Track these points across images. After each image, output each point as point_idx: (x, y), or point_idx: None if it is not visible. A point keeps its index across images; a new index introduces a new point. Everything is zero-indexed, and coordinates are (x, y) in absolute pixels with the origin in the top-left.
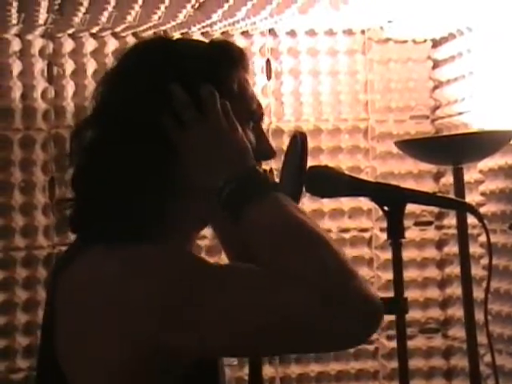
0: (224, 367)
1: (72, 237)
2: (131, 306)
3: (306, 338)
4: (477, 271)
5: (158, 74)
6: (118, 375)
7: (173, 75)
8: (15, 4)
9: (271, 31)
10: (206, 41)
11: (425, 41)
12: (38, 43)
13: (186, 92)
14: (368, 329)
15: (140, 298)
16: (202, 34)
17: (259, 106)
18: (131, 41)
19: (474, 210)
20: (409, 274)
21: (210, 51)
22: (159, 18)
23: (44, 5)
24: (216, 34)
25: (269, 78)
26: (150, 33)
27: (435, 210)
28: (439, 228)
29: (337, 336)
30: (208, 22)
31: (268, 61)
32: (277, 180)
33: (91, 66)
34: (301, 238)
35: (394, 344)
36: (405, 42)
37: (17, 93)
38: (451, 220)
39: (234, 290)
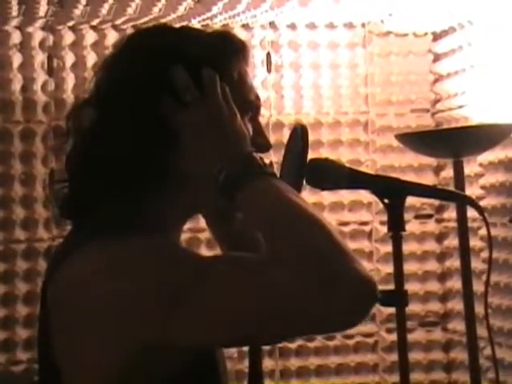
0: (225, 360)
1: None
2: (122, 304)
3: (302, 320)
4: (477, 264)
5: (158, 57)
6: (112, 375)
7: (174, 58)
8: None
9: (271, 24)
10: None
11: (425, 34)
12: (38, 35)
13: (187, 75)
14: (363, 309)
15: (131, 296)
16: (202, 26)
17: (257, 98)
18: None
19: (474, 203)
20: (409, 267)
21: (213, 39)
22: (159, 10)
23: None
24: (216, 26)
25: (269, 71)
26: (151, 25)
27: (435, 203)
28: (439, 221)
29: (332, 317)
30: (208, 14)
31: (268, 54)
32: (277, 173)
33: (91, 58)
34: (296, 220)
35: (393, 337)
36: (405, 35)
37: (17, 85)
38: (451, 213)
39: (224, 280)
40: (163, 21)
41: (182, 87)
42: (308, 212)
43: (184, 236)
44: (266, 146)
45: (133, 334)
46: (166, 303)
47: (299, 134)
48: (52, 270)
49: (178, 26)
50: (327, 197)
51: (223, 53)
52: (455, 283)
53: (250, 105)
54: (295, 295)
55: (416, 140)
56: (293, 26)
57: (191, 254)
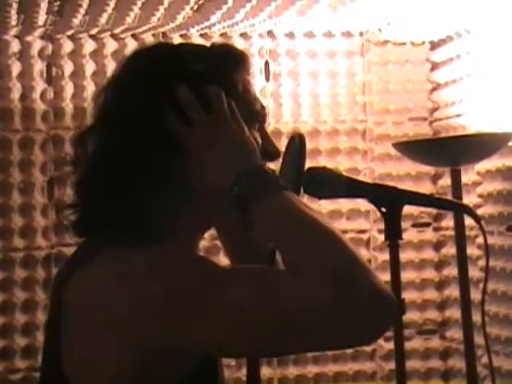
0: (223, 367)
1: (71, 238)
2: (140, 310)
3: (321, 335)
4: (474, 273)
5: (163, 78)
6: (124, 378)
7: (178, 78)
8: (15, 5)
9: (270, 33)
10: (207, 44)
11: (423, 43)
12: (37, 44)
13: (193, 94)
14: (383, 323)
15: (149, 302)
16: (201, 35)
17: (262, 107)
18: (130, 42)
19: (471, 212)
20: (407, 275)
21: (214, 54)
22: (158, 19)
23: (43, 6)
24: (215, 35)
25: (267, 79)
26: (149, 34)
27: (433, 211)
28: (437, 230)
29: (352, 332)
30: (207, 23)
31: (267, 62)
32: None
33: (90, 67)
34: (312, 233)
35: (391, 345)
36: (403, 44)
37: (16, 94)
38: (449, 222)
39: (241, 292)
40: (162, 30)
41: (188, 108)
42: (324, 226)
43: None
44: (275, 154)
45: (147, 338)
46: (182, 311)
47: (297, 142)
48: (67, 276)
49: (178, 43)
50: (325, 205)
51: (226, 67)
52: (453, 291)
53: (256, 115)
54: (314, 308)
55: (414, 148)
56: (291, 35)
57: (210, 264)
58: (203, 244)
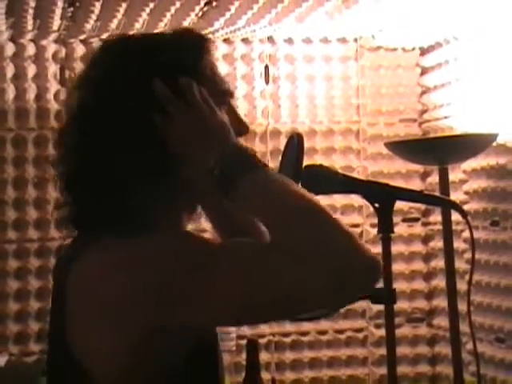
0: (222, 353)
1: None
2: (136, 293)
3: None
4: (460, 265)
5: (136, 75)
6: (123, 359)
7: (149, 72)
8: (31, 11)
9: (270, 38)
10: (165, 32)
11: (413, 49)
12: (51, 48)
13: (165, 86)
14: (369, 282)
15: (144, 285)
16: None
17: (229, 85)
18: None
19: (458, 208)
20: (397, 266)
21: (178, 42)
22: (165, 25)
23: (58, 12)
24: (218, 40)
25: (267, 82)
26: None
27: (422, 207)
28: (425, 224)
29: (342, 289)
30: (211, 29)
31: (266, 66)
32: None
33: None
34: (295, 207)
35: (382, 332)
36: (394, 49)
37: (31, 94)
38: (437, 217)
39: (234, 266)
40: None
41: (164, 100)
42: (305, 197)
43: None
44: (245, 129)
45: (144, 319)
46: (177, 290)
47: (295, 141)
48: (66, 264)
49: (140, 34)
50: (321, 200)
51: (192, 54)
52: (440, 282)
53: (225, 94)
54: (298, 278)
55: (404, 148)
56: (289, 41)
57: (198, 242)
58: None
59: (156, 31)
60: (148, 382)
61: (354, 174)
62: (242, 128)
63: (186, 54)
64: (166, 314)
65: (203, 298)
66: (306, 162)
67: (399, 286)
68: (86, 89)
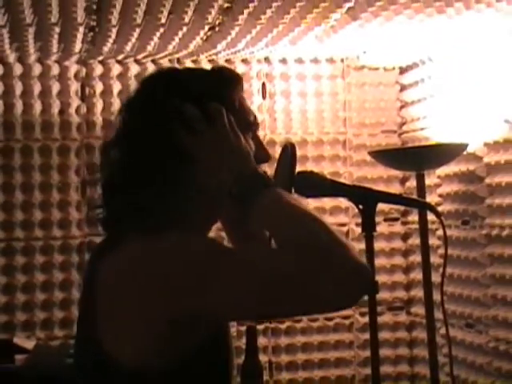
0: (232, 339)
1: (101, 229)
2: (169, 283)
3: (309, 301)
4: (435, 259)
5: (173, 99)
6: (149, 346)
7: (185, 97)
8: (56, 36)
9: (266, 59)
10: (208, 68)
11: (393, 68)
12: (73, 68)
13: (198, 110)
14: (360, 289)
15: (172, 278)
16: (209, 61)
17: (255, 117)
18: (150, 66)
19: (433, 209)
20: (379, 261)
21: (214, 76)
22: (174, 47)
23: (79, 37)
24: (220, 60)
25: (264, 98)
26: (166, 60)
27: (401, 208)
28: (404, 223)
29: (334, 297)
30: (214, 51)
31: (263, 84)
32: None
33: (117, 87)
34: (302, 220)
35: (366, 319)
36: (377, 69)
37: (55, 109)
38: (414, 217)
39: (248, 264)
40: (177, 56)
41: (194, 121)
42: (309, 213)
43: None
44: (267, 158)
45: (169, 307)
46: (199, 282)
47: (289, 151)
48: (98, 260)
49: (184, 67)
50: (312, 203)
51: (225, 87)
52: (417, 275)
53: (251, 125)
54: (300, 278)
55: (385, 156)
56: (284, 61)
57: (218, 245)
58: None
59: (199, 67)
60: (165, 368)
61: (341, 179)
62: (263, 156)
63: (220, 86)
64: (184, 305)
65: (217, 293)
66: (298, 168)
67: (381, 278)
68: (133, 109)
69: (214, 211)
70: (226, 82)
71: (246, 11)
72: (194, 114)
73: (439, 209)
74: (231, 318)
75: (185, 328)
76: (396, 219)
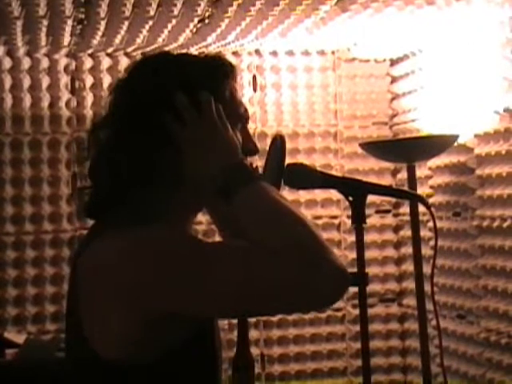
0: (220, 331)
1: (91, 222)
2: (139, 281)
3: (286, 301)
4: (426, 251)
5: (163, 84)
6: (130, 341)
7: (175, 83)
8: (44, 29)
9: (257, 51)
10: (200, 55)
11: (384, 60)
12: (62, 61)
13: (187, 97)
14: (338, 292)
15: (146, 274)
16: (199, 53)
17: (246, 110)
18: None
19: (424, 201)
20: (371, 253)
21: (207, 64)
22: (163, 40)
23: (68, 30)
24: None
25: (255, 90)
26: (154, 54)
27: (392, 200)
28: (396, 215)
29: (311, 297)
30: (204, 43)
31: (254, 76)
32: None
33: (107, 80)
34: (281, 217)
35: (357, 311)
36: (367, 61)
37: (45, 103)
38: (405, 209)
39: (224, 263)
40: (166, 49)
41: (182, 109)
42: (291, 210)
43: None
44: (254, 150)
45: (144, 304)
46: (174, 280)
47: (279, 143)
48: (80, 254)
49: (177, 53)
50: (303, 195)
51: (216, 76)
52: (408, 267)
53: (241, 116)
54: (283, 279)
55: (376, 148)
56: (274, 53)
57: (198, 240)
58: (201, 228)
59: (193, 53)
60: (149, 362)
61: (333, 172)
62: (251, 148)
63: (211, 75)
64: (167, 299)
65: (200, 288)
66: (289, 161)
67: (372, 270)
68: (121, 93)
69: (197, 202)
70: (217, 71)
71: (235, 3)
72: (181, 101)
73: (430, 201)
74: (207, 316)
75: (162, 324)
76: (387, 211)
